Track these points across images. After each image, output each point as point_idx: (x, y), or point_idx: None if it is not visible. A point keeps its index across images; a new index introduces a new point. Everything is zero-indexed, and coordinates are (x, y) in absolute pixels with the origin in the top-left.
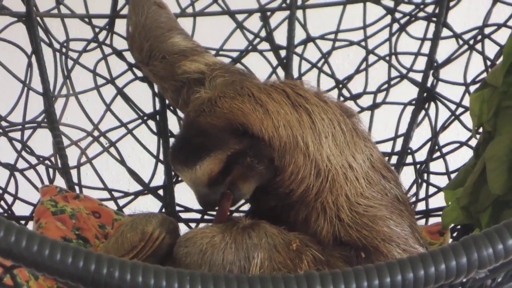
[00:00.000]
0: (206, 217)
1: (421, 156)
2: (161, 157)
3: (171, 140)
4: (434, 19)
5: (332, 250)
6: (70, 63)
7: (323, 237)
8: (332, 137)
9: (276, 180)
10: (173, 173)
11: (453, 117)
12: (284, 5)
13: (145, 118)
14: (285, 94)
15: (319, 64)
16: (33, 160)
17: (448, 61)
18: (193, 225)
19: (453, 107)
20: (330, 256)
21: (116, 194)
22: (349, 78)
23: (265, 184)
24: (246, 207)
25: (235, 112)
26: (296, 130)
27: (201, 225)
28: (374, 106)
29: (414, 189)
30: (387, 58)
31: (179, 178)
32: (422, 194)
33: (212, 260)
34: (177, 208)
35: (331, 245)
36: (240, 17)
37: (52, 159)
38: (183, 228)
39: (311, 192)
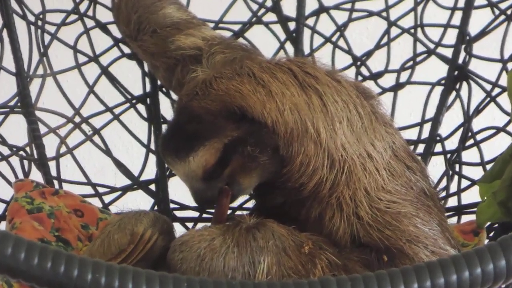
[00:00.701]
0: (204, 215)
1: (451, 144)
2: (152, 146)
3: (164, 127)
4: None
5: (350, 253)
6: (47, 38)
7: (339, 238)
8: (348, 122)
9: (283, 173)
10: (166, 165)
11: (488, 98)
12: None
13: (133, 101)
14: (292, 73)
15: (334, 38)
16: (5, 151)
17: (483, 34)
18: (189, 224)
19: (488, 87)
20: (347, 259)
21: (101, 190)
22: (368, 54)
23: (271, 177)
24: (250, 204)
25: (232, 94)
26: (305, 114)
27: (199, 225)
28: (397, 87)
29: (444, 182)
30: (412, 31)
31: (173, 171)
32: (453, 187)
33: (212, 266)
34: (172, 205)
35: (349, 247)
36: None
37: (27, 149)
38: (178, 229)
39: (325, 186)
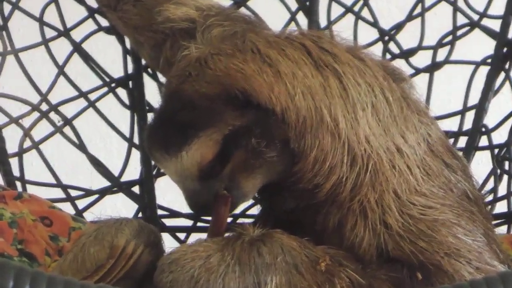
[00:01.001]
0: (200, 224)
1: (499, 137)
2: (136, 140)
3: (150, 116)
4: None
5: (376, 270)
6: (7, 8)
7: (363, 252)
8: (373, 109)
9: (294, 171)
10: (153, 163)
11: None
12: None
13: (112, 85)
14: (305, 50)
15: (356, 8)
16: None
17: None
18: (181, 235)
19: None
20: (373, 278)
21: (74, 193)
22: (398, 27)
23: (279, 177)
24: (255, 210)
25: (232, 74)
26: (320, 100)
27: (193, 236)
28: (433, 67)
29: (490, 183)
30: None
31: (162, 170)
32: (502, 190)
33: None
34: (159, 211)
35: (375, 263)
36: None
37: None
38: (168, 241)
39: (345, 187)
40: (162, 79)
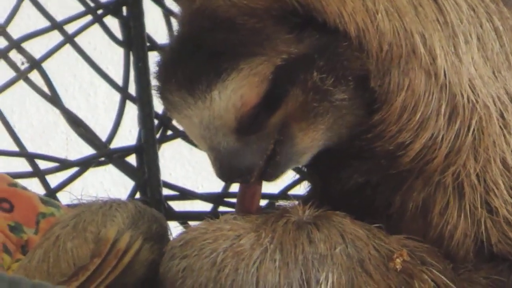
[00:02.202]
0: (223, 208)
1: None
2: (132, 90)
3: (153, 55)
4: None
5: (473, 271)
6: None
7: (455, 245)
8: (478, 42)
9: (373, 123)
10: (156, 122)
11: None
12: None
13: (99, 12)
14: None
15: None
16: None
17: None
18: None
19: None
20: (468, 282)
21: (43, 165)
22: None
23: (347, 136)
24: (298, 190)
25: None
26: (411, 22)
27: None
28: None
29: None
30: None
31: (169, 133)
32: None
33: (237, 283)
34: (165, 191)
35: (472, 261)
36: None
37: None
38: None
39: (439, 151)
40: (169, 2)
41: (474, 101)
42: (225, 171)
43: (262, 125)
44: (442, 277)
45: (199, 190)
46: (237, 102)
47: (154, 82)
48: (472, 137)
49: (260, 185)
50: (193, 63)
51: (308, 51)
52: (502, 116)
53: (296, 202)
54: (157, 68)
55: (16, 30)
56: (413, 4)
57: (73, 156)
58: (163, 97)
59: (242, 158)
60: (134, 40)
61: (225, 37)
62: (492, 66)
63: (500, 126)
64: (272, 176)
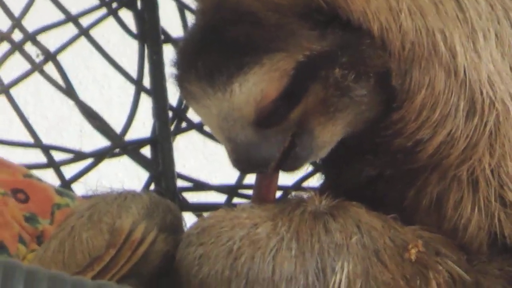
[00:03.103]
0: (237, 200)
1: None
2: (146, 82)
3: (168, 48)
4: None
5: (487, 263)
6: None
7: (469, 238)
8: (496, 38)
9: (393, 121)
10: (170, 114)
11: None
12: None
13: (114, 5)
14: None
15: None
16: None
17: None
18: None
19: None
20: (482, 274)
21: (58, 156)
22: None
23: (364, 130)
24: (312, 182)
25: None
26: (433, 21)
27: None
28: None
29: None
30: None
31: (183, 125)
32: None
33: (253, 271)
34: (179, 183)
35: (486, 254)
36: None
37: None
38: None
39: (456, 147)
40: None
41: (493, 97)
42: (241, 162)
43: (281, 119)
44: (457, 268)
45: (213, 181)
46: (258, 96)
47: (172, 70)
48: (488, 133)
49: (277, 175)
50: (214, 54)
51: (331, 48)
52: None
53: (312, 193)
54: (176, 57)
55: (31, 23)
56: (434, 2)
57: (87, 148)
58: (182, 86)
59: (259, 149)
60: (149, 33)
61: (248, 30)
62: (509, 62)
63: None
64: (292, 167)
